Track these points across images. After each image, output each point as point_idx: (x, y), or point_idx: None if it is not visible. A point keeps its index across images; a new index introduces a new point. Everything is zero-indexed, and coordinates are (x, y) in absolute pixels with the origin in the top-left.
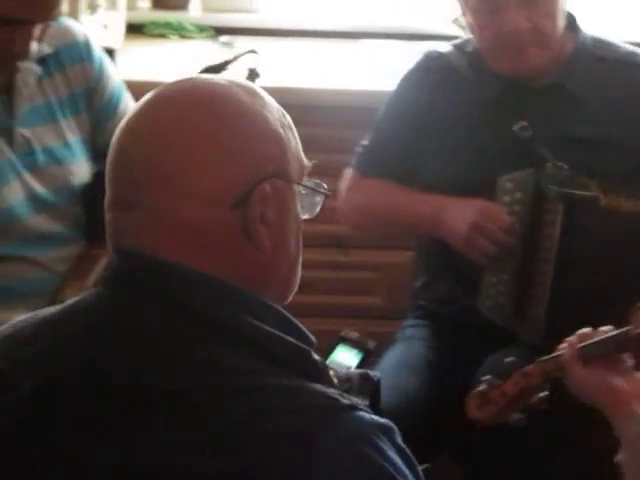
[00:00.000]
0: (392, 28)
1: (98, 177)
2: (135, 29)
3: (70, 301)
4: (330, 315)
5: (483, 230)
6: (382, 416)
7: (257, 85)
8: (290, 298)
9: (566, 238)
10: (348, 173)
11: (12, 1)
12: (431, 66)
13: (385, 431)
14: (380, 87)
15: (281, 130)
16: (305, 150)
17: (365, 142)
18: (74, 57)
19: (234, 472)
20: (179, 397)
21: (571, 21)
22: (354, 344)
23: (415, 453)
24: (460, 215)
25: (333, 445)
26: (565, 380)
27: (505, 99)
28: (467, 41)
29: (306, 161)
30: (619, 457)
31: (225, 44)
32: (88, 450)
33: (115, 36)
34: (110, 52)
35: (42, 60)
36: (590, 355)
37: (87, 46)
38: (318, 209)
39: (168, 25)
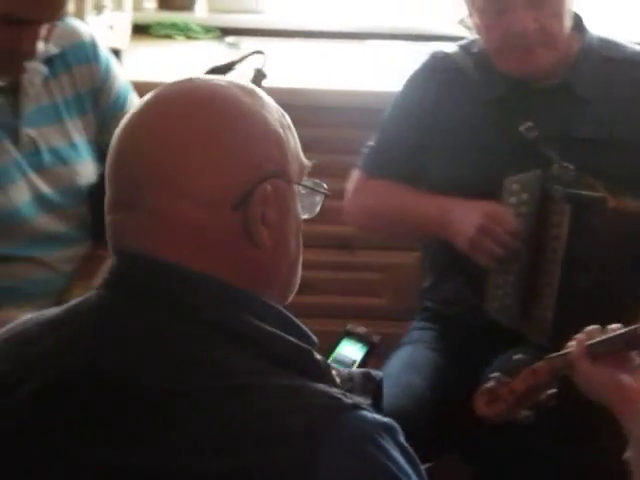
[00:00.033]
0: (398, 29)
1: (104, 177)
2: (141, 30)
3: (72, 302)
4: (336, 316)
5: (489, 233)
6: (384, 415)
7: (263, 85)
8: (291, 298)
9: (573, 239)
10: (354, 174)
11: (19, 1)
12: (437, 67)
13: (388, 430)
14: (386, 88)
15: (281, 130)
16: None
17: (371, 143)
18: (80, 57)
19: (236, 472)
20: (179, 397)
21: (578, 21)
22: (359, 338)
23: (422, 453)
24: (467, 217)
25: (336, 445)
26: (573, 377)
27: (511, 99)
28: (473, 42)
29: (305, 161)
30: (627, 454)
31: (231, 45)
32: (88, 450)
33: (121, 37)
34: (116, 53)
35: (48, 60)
36: (598, 352)
37: (93, 46)
38: (318, 209)
39: (174, 26)
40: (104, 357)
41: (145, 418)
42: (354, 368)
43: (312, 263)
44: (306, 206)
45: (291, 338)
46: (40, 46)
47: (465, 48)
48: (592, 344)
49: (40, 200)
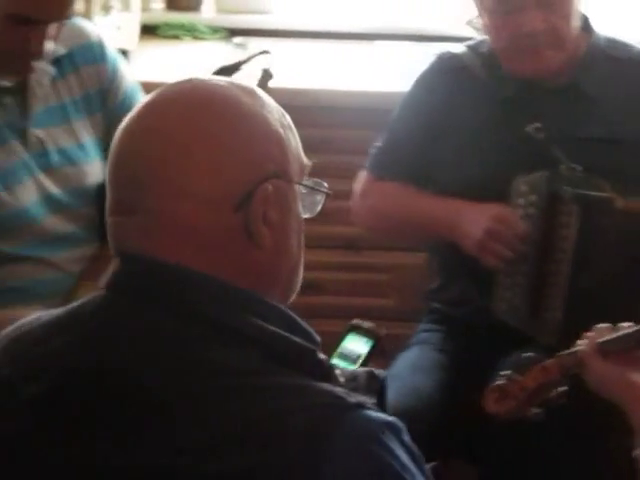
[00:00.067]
0: (406, 29)
1: None
2: (149, 30)
3: (76, 303)
4: (343, 316)
5: (497, 236)
6: (391, 415)
7: (270, 86)
8: (293, 298)
9: (581, 239)
10: (362, 175)
11: (27, 1)
12: (444, 67)
13: (393, 429)
14: (394, 88)
15: (281, 130)
16: (319, 151)
17: (379, 144)
18: (88, 58)
19: (240, 472)
20: (182, 398)
21: (585, 22)
22: (365, 332)
23: (429, 454)
24: (474, 220)
25: (342, 444)
26: (584, 375)
27: (519, 100)
28: (481, 42)
29: (306, 160)
30: (637, 452)
31: (238, 45)
32: (92, 451)
33: (129, 37)
34: (124, 53)
35: (56, 61)
36: (609, 350)
37: (101, 47)
38: (319, 208)
39: (181, 26)
40: (107, 358)
41: (148, 419)
42: (360, 362)
43: (319, 264)
44: (307, 206)
45: (295, 338)
46: (48, 46)
47: (473, 48)
48: (603, 342)
49: (48, 200)
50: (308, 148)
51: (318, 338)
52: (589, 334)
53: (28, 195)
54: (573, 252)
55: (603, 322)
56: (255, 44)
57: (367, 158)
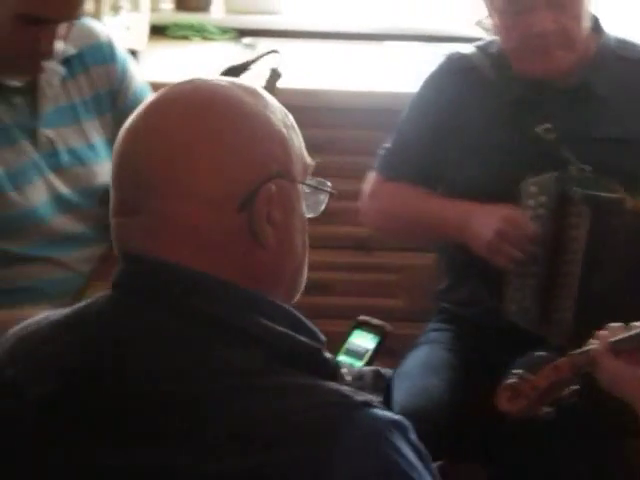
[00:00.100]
0: (415, 30)
1: None
2: (158, 31)
3: (82, 303)
4: (351, 317)
5: (507, 237)
6: (400, 415)
7: (279, 86)
8: (297, 298)
9: (592, 240)
10: (370, 176)
11: (37, 1)
12: (453, 68)
13: (399, 427)
14: (403, 89)
15: (284, 130)
16: (327, 151)
17: (387, 145)
18: (97, 58)
19: (245, 473)
20: (187, 398)
21: (595, 22)
22: (371, 327)
23: (439, 454)
24: (484, 221)
25: (348, 443)
26: (596, 374)
27: (529, 100)
28: (490, 42)
29: (309, 160)
30: None
31: (248, 46)
32: (99, 451)
33: (138, 38)
34: (133, 53)
35: (66, 61)
36: (621, 349)
37: (110, 47)
38: (322, 208)
39: (191, 27)
40: (111, 358)
41: (151, 419)
42: (367, 358)
43: (328, 264)
44: (311, 205)
45: (301, 337)
46: (58, 46)
47: (482, 49)
48: (615, 341)
49: (58, 200)
50: (317, 148)
51: (323, 337)
52: (601, 333)
53: (38, 195)
54: (583, 253)
55: (614, 321)
56: (264, 44)
57: (376, 159)
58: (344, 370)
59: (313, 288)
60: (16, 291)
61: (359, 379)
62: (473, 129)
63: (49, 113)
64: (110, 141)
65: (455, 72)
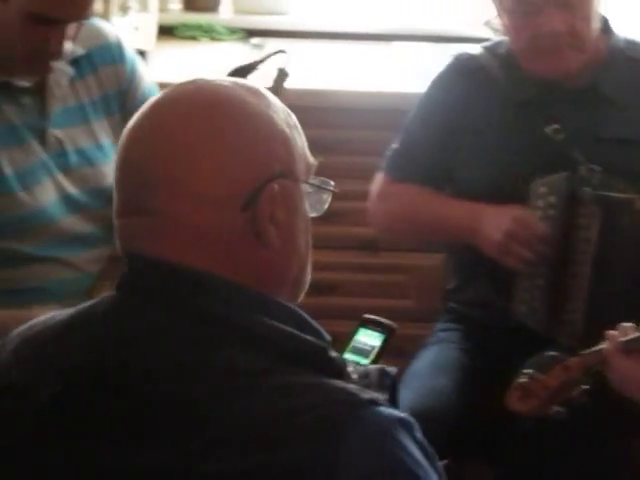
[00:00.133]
0: (423, 30)
1: None
2: (166, 31)
3: (87, 304)
4: (360, 317)
5: (517, 238)
6: (409, 415)
7: (286, 86)
8: (301, 297)
9: (602, 240)
10: (378, 177)
11: (47, 0)
12: (461, 68)
13: (405, 425)
14: (411, 89)
15: (287, 129)
16: (336, 152)
17: (395, 146)
18: (106, 58)
19: (256, 472)
20: (197, 399)
21: (604, 23)
22: (376, 325)
23: (448, 454)
24: (494, 222)
25: (355, 441)
26: (607, 373)
27: (539, 101)
28: (499, 43)
29: (312, 160)
30: None
31: (256, 46)
32: (108, 452)
33: (146, 38)
34: (141, 54)
35: (74, 61)
36: (632, 349)
37: (119, 47)
38: (326, 207)
39: (199, 27)
40: (116, 358)
41: (155, 419)
42: (373, 355)
43: (336, 264)
44: (314, 205)
45: (307, 336)
46: (67, 46)
47: (490, 50)
48: (626, 340)
49: (67, 201)
50: (325, 149)
51: (328, 337)
52: (612, 333)
53: (47, 195)
54: (593, 253)
55: (625, 322)
56: (272, 45)
57: (383, 160)
58: (350, 368)
59: (321, 288)
60: (25, 291)
61: (365, 377)
62: (481, 129)
63: (57, 113)
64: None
65: (463, 73)
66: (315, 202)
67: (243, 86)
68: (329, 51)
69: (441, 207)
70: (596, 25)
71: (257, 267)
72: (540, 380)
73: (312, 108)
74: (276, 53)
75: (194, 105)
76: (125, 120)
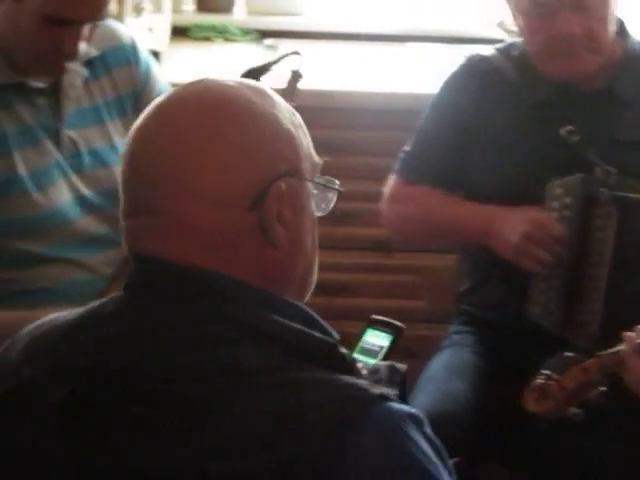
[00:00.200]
0: (437, 31)
1: None
2: (180, 32)
3: (95, 304)
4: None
5: (535, 240)
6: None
7: (299, 87)
8: (307, 297)
9: (618, 241)
10: (391, 179)
11: (62, 1)
12: (473, 69)
13: (415, 421)
14: (425, 90)
15: (292, 129)
16: (350, 153)
17: (407, 148)
18: (120, 60)
19: (269, 469)
20: (209, 398)
21: (620, 26)
22: (384, 326)
23: (465, 456)
24: (511, 224)
25: (367, 436)
26: (623, 375)
27: (554, 103)
28: (512, 45)
29: (318, 159)
30: None
31: (269, 47)
32: (119, 452)
33: (160, 39)
34: (155, 55)
35: (89, 63)
36: None
37: (133, 49)
38: (331, 206)
39: (213, 28)
40: (124, 358)
41: (166, 419)
42: (382, 355)
43: (349, 265)
44: (320, 204)
45: (316, 333)
46: (81, 47)
47: (504, 51)
48: None
49: (81, 201)
50: (338, 149)
51: (337, 335)
52: (629, 334)
53: (61, 196)
54: (610, 254)
55: None
56: (286, 46)
57: (396, 162)
58: (359, 365)
59: (334, 289)
60: (37, 292)
61: (375, 373)
62: (495, 131)
63: (71, 114)
64: None
65: (475, 74)
66: (321, 201)
67: (248, 86)
68: (342, 52)
69: (454, 209)
70: (612, 27)
71: (263, 266)
72: (557, 381)
73: (326, 109)
74: (290, 55)
75: (200, 105)
76: None
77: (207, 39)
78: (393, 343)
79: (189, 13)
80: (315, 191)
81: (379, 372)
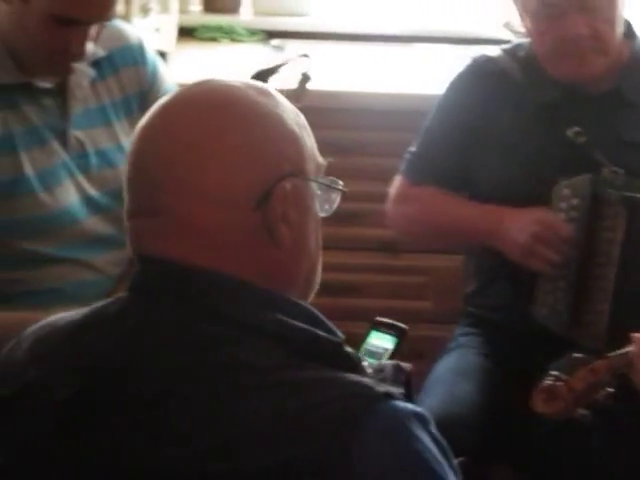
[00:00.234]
0: (444, 32)
1: None
2: (186, 32)
3: (99, 304)
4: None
5: (543, 240)
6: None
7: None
8: (311, 298)
9: (626, 242)
10: (397, 180)
11: (69, 2)
12: (479, 70)
13: (421, 419)
14: (432, 91)
15: (296, 129)
16: (357, 153)
17: (413, 148)
18: (128, 60)
19: (268, 470)
20: (214, 398)
21: (628, 28)
22: (388, 328)
23: (474, 459)
24: (518, 225)
25: (371, 434)
26: (632, 376)
27: (561, 105)
28: (518, 46)
29: (321, 160)
30: None
31: (276, 48)
32: (124, 451)
33: (167, 39)
34: (162, 55)
35: (96, 63)
36: None
37: (141, 49)
38: (335, 207)
39: (219, 29)
40: (128, 358)
41: (176, 419)
42: (386, 357)
43: (355, 266)
44: (323, 205)
45: (321, 332)
46: (89, 47)
47: (510, 52)
48: None
49: (87, 202)
50: (345, 150)
51: (341, 335)
52: (638, 335)
53: (68, 196)
54: (618, 255)
55: None
56: (293, 46)
57: (402, 163)
58: (364, 363)
59: (340, 290)
60: (44, 292)
61: (380, 372)
62: (500, 132)
63: (78, 115)
64: None
65: (481, 75)
66: (324, 202)
67: (253, 87)
68: (349, 52)
69: (460, 209)
70: (619, 29)
71: (267, 266)
72: (566, 382)
73: (332, 110)
74: (300, 57)
75: (204, 105)
76: None
77: (214, 39)
78: (397, 345)
79: (196, 13)
80: (319, 192)
81: (384, 371)
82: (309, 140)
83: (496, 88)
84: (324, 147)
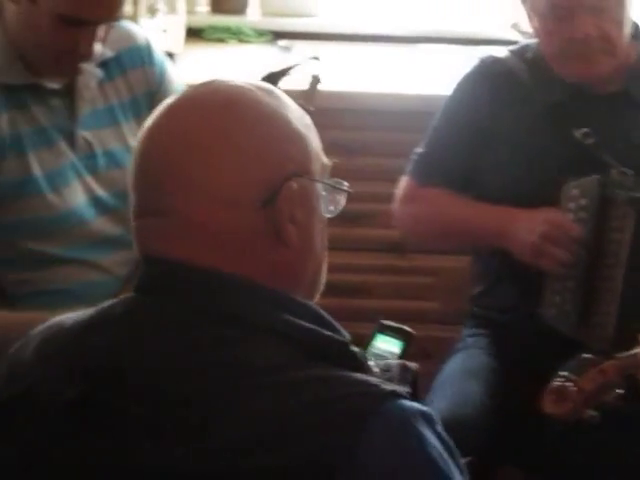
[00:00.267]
0: (451, 33)
1: None
2: (194, 33)
3: (105, 305)
4: (386, 319)
5: (552, 239)
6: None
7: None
8: (316, 298)
9: (636, 243)
10: (403, 181)
11: (77, 2)
12: (487, 71)
13: (427, 418)
14: (438, 92)
15: (302, 130)
16: (364, 153)
17: (420, 149)
18: (135, 61)
19: (269, 470)
20: (220, 398)
21: (636, 29)
22: (394, 332)
23: (483, 461)
24: (527, 225)
25: (378, 433)
26: None
27: (569, 106)
28: (526, 46)
29: (327, 160)
30: None
31: (284, 48)
32: (132, 451)
33: (174, 40)
34: (170, 56)
35: (104, 64)
36: None
37: (148, 50)
38: (340, 208)
39: (227, 29)
40: (135, 359)
41: (178, 419)
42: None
43: (362, 267)
44: (328, 205)
45: (327, 332)
46: (97, 47)
47: (517, 53)
48: None
49: (95, 202)
50: (352, 151)
51: (347, 335)
52: None
53: (76, 197)
54: (626, 255)
55: None
56: (300, 47)
57: (409, 164)
58: (371, 363)
59: (348, 290)
60: (51, 293)
61: (386, 371)
62: (507, 132)
63: (86, 115)
64: None
65: (488, 76)
66: (330, 203)
67: (259, 87)
68: (356, 53)
69: (468, 210)
70: (627, 30)
71: (273, 266)
72: (575, 383)
73: (339, 110)
74: (310, 60)
75: (210, 106)
76: None
77: (221, 40)
78: (404, 349)
79: (203, 14)
80: (324, 192)
81: (391, 370)
82: (315, 141)
83: (503, 89)
84: (329, 148)
